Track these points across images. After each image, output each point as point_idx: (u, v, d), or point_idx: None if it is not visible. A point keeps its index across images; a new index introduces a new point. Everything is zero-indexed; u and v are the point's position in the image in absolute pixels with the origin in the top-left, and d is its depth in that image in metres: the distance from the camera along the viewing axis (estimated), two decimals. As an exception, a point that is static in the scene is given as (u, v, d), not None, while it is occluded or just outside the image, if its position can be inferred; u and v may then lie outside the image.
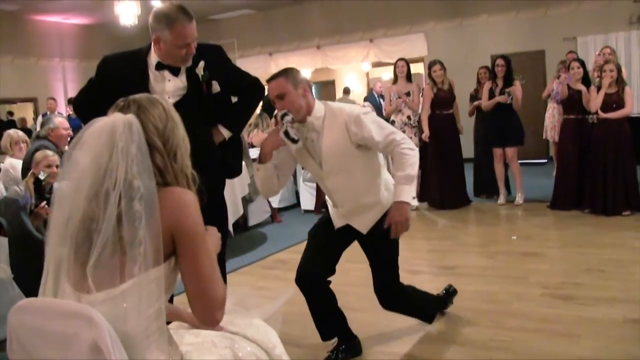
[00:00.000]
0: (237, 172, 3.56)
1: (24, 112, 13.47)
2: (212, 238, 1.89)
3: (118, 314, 1.57)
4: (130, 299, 1.58)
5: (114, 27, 12.63)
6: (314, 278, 3.26)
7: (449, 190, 7.68)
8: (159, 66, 3.13)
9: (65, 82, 13.64)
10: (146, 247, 1.58)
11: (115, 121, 1.65)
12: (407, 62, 7.89)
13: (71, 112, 11.15)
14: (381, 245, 3.29)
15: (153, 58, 3.14)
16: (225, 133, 3.33)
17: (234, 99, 3.46)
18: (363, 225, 3.25)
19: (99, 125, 1.66)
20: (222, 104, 3.31)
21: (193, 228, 1.67)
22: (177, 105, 3.12)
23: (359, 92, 14.89)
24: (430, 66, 7.82)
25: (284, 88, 3.05)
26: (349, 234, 3.31)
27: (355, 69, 15.66)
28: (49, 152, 4.68)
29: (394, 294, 3.43)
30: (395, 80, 7.86)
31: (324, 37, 14.13)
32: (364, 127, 3.06)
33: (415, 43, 13.03)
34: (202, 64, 3.18)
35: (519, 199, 7.55)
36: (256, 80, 3.54)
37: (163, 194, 1.66)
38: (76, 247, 1.63)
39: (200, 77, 3.18)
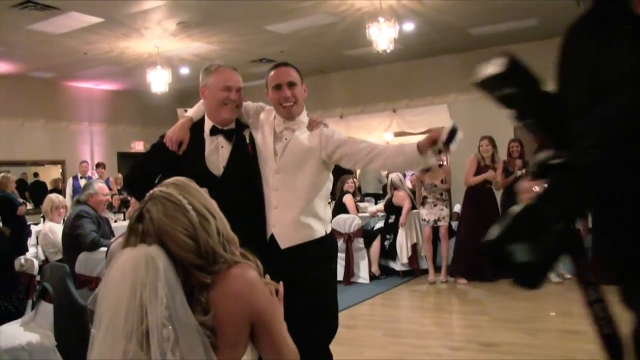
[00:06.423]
0: None
1: (50, 174, 13.61)
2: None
3: None
4: None
5: (142, 94, 12.92)
6: None
7: (484, 261, 7.53)
8: (214, 131, 3.17)
9: (92, 145, 13.86)
10: None
11: (137, 260, 1.55)
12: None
13: (97, 175, 11.28)
14: None
15: (207, 124, 3.20)
16: None
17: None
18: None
19: (120, 265, 1.56)
20: None
21: (264, 305, 1.68)
22: (225, 171, 3.16)
23: (380, 161, 14.92)
24: (480, 139, 8.04)
25: (295, 78, 3.03)
26: None
27: (377, 138, 15.78)
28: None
29: None
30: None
31: (347, 107, 14.31)
32: (334, 133, 3.02)
33: (438, 114, 13.05)
34: (247, 131, 3.25)
35: (561, 269, 7.35)
36: None
37: (223, 284, 1.62)
38: None
39: (246, 138, 3.23)
